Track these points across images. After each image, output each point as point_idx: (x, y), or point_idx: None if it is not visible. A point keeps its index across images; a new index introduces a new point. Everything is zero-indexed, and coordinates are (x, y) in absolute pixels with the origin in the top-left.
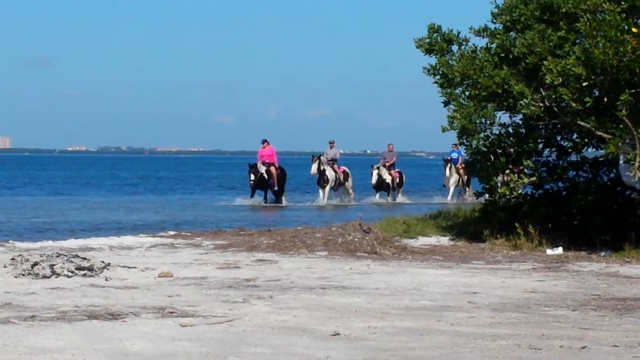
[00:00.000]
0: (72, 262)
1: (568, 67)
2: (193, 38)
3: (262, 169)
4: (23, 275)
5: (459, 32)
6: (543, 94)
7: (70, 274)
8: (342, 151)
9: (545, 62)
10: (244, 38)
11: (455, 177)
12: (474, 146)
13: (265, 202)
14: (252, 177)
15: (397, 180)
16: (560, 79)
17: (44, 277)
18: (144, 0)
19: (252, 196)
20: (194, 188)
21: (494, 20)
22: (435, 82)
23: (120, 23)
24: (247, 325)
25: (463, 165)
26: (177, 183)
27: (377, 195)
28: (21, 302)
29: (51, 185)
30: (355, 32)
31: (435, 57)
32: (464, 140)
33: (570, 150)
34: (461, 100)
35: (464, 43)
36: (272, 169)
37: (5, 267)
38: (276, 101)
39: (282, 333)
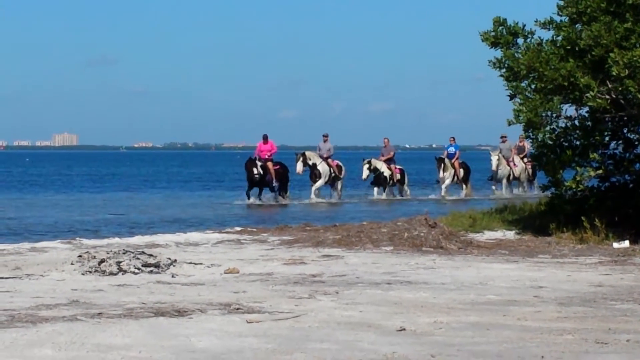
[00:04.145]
0: (138, 259)
1: (635, 58)
2: (258, 34)
3: (258, 164)
4: (90, 272)
5: (524, 25)
6: (609, 86)
7: (136, 270)
8: (334, 145)
9: (611, 54)
10: (308, 33)
11: (450, 171)
12: (539, 139)
13: (260, 200)
14: (255, 171)
15: (398, 176)
16: (626, 70)
17: (111, 274)
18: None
19: (248, 197)
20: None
21: (560, 13)
22: (501, 76)
23: (184, 20)
24: (313, 321)
25: (460, 161)
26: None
27: (375, 191)
28: (88, 299)
29: (116, 182)
30: (419, 25)
31: (501, 50)
32: (530, 134)
33: (637, 142)
34: (527, 94)
35: (529, 36)
36: (269, 164)
37: (72, 264)
38: (341, 96)
39: (348, 328)
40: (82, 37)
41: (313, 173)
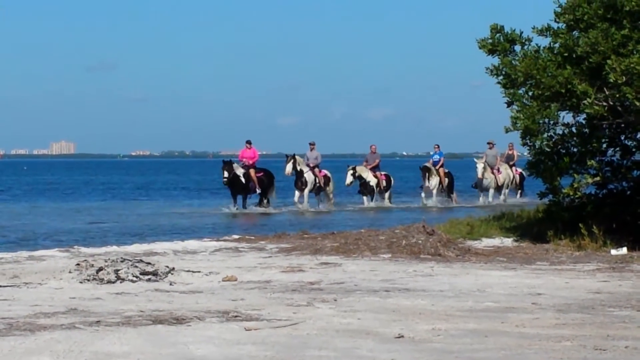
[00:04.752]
0: (136, 267)
1: (632, 65)
2: (256, 40)
3: (240, 172)
4: (88, 280)
5: (521, 32)
6: (607, 93)
7: (134, 278)
8: (322, 153)
9: (608, 61)
10: (307, 39)
11: (435, 179)
12: (537, 146)
13: (245, 207)
14: (226, 174)
15: (384, 183)
16: (624, 77)
17: (109, 282)
18: (207, 4)
19: (235, 202)
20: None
21: (557, 20)
22: (499, 83)
23: (183, 27)
24: (311, 329)
25: (446, 170)
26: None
27: (365, 200)
28: (86, 307)
29: (114, 190)
30: (418, 31)
31: (498, 58)
32: (528, 141)
33: (634, 149)
34: (524, 101)
35: (526, 43)
36: (252, 171)
37: (70, 272)
38: (341, 97)
39: (347, 336)
40: (79, 42)
41: (300, 181)
